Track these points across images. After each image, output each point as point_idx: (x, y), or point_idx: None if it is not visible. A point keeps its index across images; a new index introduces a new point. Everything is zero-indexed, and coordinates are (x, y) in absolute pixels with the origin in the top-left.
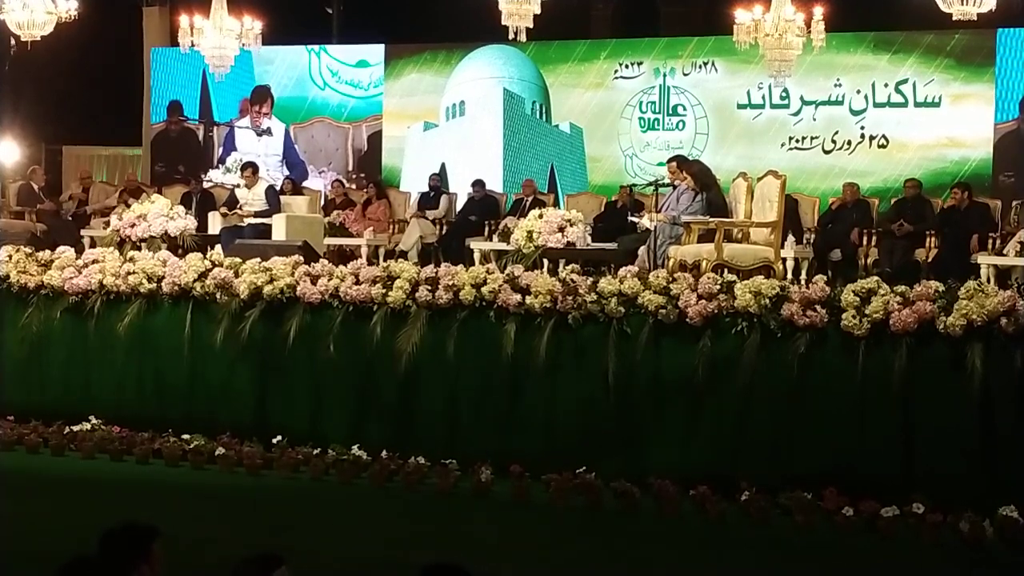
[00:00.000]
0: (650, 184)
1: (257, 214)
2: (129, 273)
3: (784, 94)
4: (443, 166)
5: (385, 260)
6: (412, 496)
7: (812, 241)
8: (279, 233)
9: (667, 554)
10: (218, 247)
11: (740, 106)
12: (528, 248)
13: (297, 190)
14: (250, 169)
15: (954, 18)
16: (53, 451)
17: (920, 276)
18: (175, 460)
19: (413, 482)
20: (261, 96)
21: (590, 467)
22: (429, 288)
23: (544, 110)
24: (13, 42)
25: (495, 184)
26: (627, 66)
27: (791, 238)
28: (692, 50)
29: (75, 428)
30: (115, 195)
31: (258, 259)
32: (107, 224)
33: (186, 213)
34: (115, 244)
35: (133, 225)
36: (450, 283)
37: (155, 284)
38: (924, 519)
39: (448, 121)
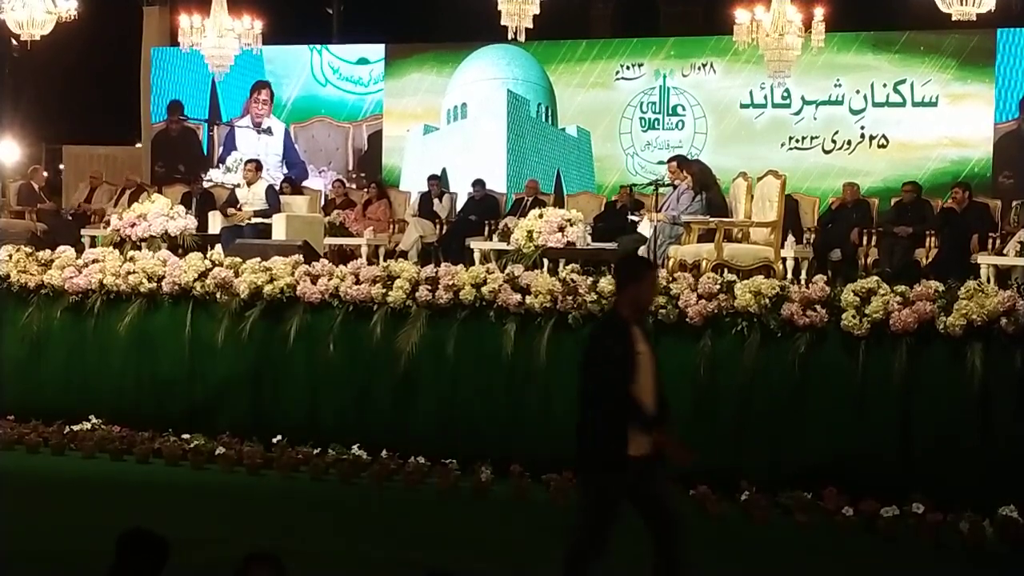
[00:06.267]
0: (650, 184)
1: (257, 213)
2: (129, 273)
3: (786, 94)
4: (444, 171)
5: (385, 260)
6: (412, 496)
7: (812, 241)
8: (279, 233)
9: None
10: (218, 247)
11: (743, 106)
12: (528, 248)
13: (297, 190)
14: (253, 164)
15: (953, 18)
16: (53, 450)
17: (920, 276)
18: (175, 459)
19: (413, 482)
20: (259, 86)
21: None
22: (429, 288)
23: (550, 113)
24: (15, 43)
25: (498, 189)
26: (628, 67)
27: (791, 238)
28: (692, 50)
29: (75, 427)
30: (115, 196)
31: (258, 259)
32: (107, 224)
33: (186, 213)
34: (115, 244)
35: (133, 225)
36: (450, 283)
37: (155, 284)
38: (924, 519)
39: (449, 124)
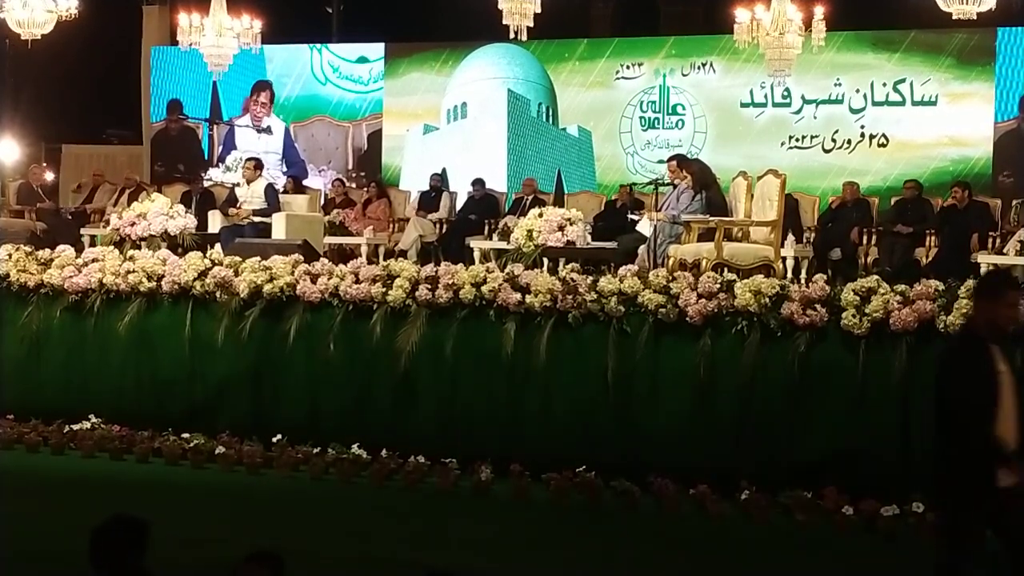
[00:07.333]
0: (650, 183)
1: (257, 212)
2: (129, 272)
3: (786, 93)
4: (444, 170)
5: (385, 259)
6: (412, 495)
7: (812, 240)
8: (279, 232)
9: (667, 553)
10: (218, 246)
11: (743, 105)
12: (528, 247)
13: (299, 189)
14: (252, 162)
15: (954, 17)
16: (53, 450)
17: (920, 275)
18: (175, 459)
19: (413, 481)
20: (260, 87)
21: (590, 466)
22: (429, 287)
23: (551, 112)
24: (9, 40)
25: (499, 189)
26: (628, 66)
27: (791, 237)
28: (692, 49)
29: (75, 427)
30: (115, 195)
31: (258, 258)
32: (107, 223)
33: (186, 212)
34: (115, 243)
35: (133, 224)
36: (450, 282)
37: (155, 283)
38: (924, 518)
39: (449, 123)
